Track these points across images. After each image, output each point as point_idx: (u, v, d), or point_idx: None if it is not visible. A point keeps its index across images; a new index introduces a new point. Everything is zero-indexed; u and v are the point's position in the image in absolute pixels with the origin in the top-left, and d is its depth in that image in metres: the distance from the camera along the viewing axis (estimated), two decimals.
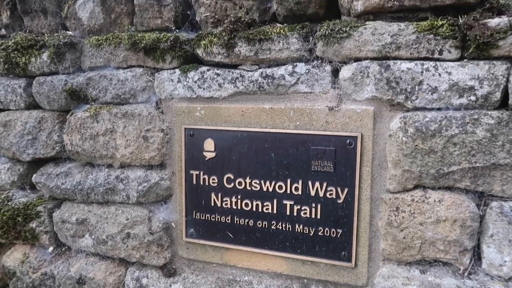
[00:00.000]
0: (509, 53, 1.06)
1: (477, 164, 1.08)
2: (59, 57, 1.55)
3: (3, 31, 1.73)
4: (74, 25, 1.60)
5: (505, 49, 1.05)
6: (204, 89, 1.37)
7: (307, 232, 1.29)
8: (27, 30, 1.70)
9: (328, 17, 1.35)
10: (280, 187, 1.31)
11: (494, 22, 1.06)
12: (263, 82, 1.30)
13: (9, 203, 1.69)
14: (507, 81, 1.07)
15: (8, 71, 1.66)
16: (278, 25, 1.35)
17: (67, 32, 1.61)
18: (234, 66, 1.37)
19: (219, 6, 1.38)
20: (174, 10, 1.44)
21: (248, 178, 1.34)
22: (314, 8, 1.29)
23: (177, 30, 1.46)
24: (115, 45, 1.48)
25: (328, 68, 1.25)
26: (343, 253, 1.25)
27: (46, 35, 1.62)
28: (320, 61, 1.26)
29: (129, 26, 1.53)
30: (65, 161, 1.68)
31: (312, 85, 1.26)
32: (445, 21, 1.10)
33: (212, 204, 1.40)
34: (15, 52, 1.62)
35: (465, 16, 1.10)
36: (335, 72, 1.26)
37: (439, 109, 1.13)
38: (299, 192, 1.28)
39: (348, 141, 1.21)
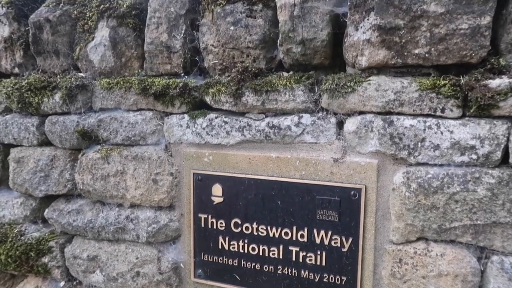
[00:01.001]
0: (510, 113, 1.10)
1: (478, 222, 1.13)
2: (71, 98, 1.62)
3: (17, 70, 1.80)
4: (85, 66, 1.66)
5: (506, 109, 1.10)
6: (212, 136, 1.43)
7: (313, 278, 1.34)
8: (40, 70, 1.77)
9: (333, 66, 1.40)
10: (286, 234, 1.36)
11: (495, 83, 1.10)
12: (269, 132, 1.35)
13: (22, 237, 1.76)
14: (508, 140, 1.11)
15: (21, 109, 1.73)
16: (284, 74, 1.40)
17: (79, 73, 1.67)
18: (242, 113, 1.42)
19: (227, 54, 1.44)
20: (183, 56, 1.49)
21: (255, 223, 1.39)
22: (320, 59, 1.34)
23: (186, 76, 1.51)
24: (125, 89, 1.54)
25: (333, 120, 1.29)
26: None
27: (58, 76, 1.69)
28: (325, 112, 1.31)
29: (139, 70, 1.58)
30: (76, 197, 1.74)
31: (318, 136, 1.31)
32: (447, 81, 1.14)
33: (220, 247, 1.45)
34: (28, 92, 1.68)
35: (467, 76, 1.14)
36: (340, 124, 1.30)
37: (441, 165, 1.17)
38: (305, 239, 1.33)
39: (352, 192, 1.26)
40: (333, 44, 1.33)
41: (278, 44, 1.36)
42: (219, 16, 1.42)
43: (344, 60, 1.35)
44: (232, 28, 1.40)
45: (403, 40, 1.17)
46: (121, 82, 1.54)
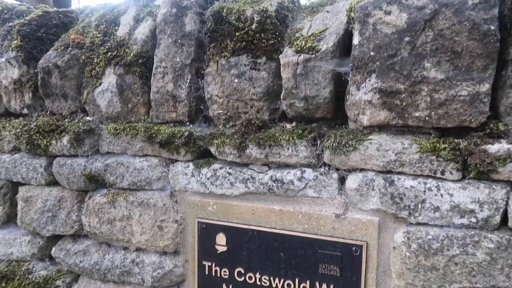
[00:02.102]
0: (509, 178, 1.13)
1: (478, 285, 1.16)
2: (78, 142, 1.67)
3: (25, 110, 1.85)
4: (93, 110, 1.71)
5: (505, 174, 1.13)
6: (216, 186, 1.47)
7: None
8: (48, 111, 1.82)
9: (335, 117, 1.44)
10: (288, 285, 1.40)
11: (494, 148, 1.13)
12: (272, 185, 1.39)
13: (29, 276, 1.81)
14: (507, 204, 1.14)
15: (30, 150, 1.79)
16: (287, 126, 1.44)
17: (86, 118, 1.72)
18: (245, 164, 1.46)
19: (231, 104, 1.48)
20: (188, 105, 1.54)
21: (258, 273, 1.43)
22: (322, 113, 1.38)
23: (191, 125, 1.55)
24: (132, 136, 1.58)
25: (335, 175, 1.33)
26: None
27: (66, 120, 1.74)
28: (327, 168, 1.35)
29: (145, 116, 1.63)
30: (83, 237, 1.79)
31: (320, 191, 1.34)
32: (447, 144, 1.18)
33: None
34: (37, 135, 1.74)
35: (466, 140, 1.18)
36: (342, 180, 1.34)
37: (441, 226, 1.20)
38: None
39: (354, 248, 1.29)
40: (335, 99, 1.37)
41: (281, 98, 1.40)
42: (223, 68, 1.47)
43: (346, 114, 1.39)
44: (236, 80, 1.45)
45: (404, 103, 1.20)
46: (128, 129, 1.59)
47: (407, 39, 1.16)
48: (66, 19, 1.98)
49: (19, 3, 2.30)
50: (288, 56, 1.34)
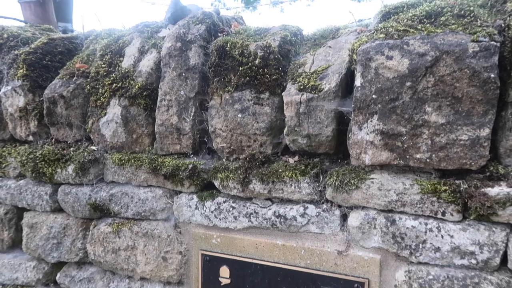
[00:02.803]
0: (508, 220, 1.15)
1: None
2: (83, 171, 1.69)
3: (31, 138, 1.88)
4: (98, 139, 1.74)
5: (505, 217, 1.15)
6: (220, 219, 1.49)
7: None
8: (53, 139, 1.85)
9: (338, 152, 1.46)
10: None
11: (493, 191, 1.16)
12: (276, 221, 1.41)
13: None
14: (506, 246, 1.16)
15: (35, 178, 1.81)
16: (290, 161, 1.46)
17: (91, 147, 1.75)
18: (249, 198, 1.49)
19: (235, 138, 1.50)
20: (192, 138, 1.56)
21: None
22: (324, 149, 1.41)
23: (194, 157, 1.58)
24: (136, 167, 1.61)
25: (337, 212, 1.35)
26: None
27: (71, 148, 1.77)
28: (329, 204, 1.37)
29: (150, 147, 1.66)
30: (88, 264, 1.82)
31: (322, 227, 1.37)
32: (447, 187, 1.20)
33: None
34: (42, 163, 1.76)
35: (467, 182, 1.20)
36: (344, 216, 1.36)
37: (442, 266, 1.23)
38: None
39: (356, 285, 1.31)
40: (337, 135, 1.39)
41: (284, 133, 1.43)
42: (227, 102, 1.49)
43: (348, 150, 1.41)
44: (240, 115, 1.47)
45: (405, 145, 1.23)
46: (133, 160, 1.62)
47: (408, 84, 1.18)
48: (71, 45, 2.01)
49: (24, 27, 2.32)
50: (291, 94, 1.37)
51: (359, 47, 1.26)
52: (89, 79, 1.75)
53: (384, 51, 1.20)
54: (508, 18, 1.24)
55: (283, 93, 1.40)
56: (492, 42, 1.12)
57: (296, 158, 1.48)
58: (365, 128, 1.28)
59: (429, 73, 1.16)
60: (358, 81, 1.26)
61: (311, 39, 1.68)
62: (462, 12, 1.30)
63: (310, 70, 1.44)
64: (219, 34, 1.67)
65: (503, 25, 1.25)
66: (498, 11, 1.34)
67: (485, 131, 1.15)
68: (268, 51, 1.47)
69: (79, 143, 1.80)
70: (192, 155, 1.60)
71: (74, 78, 1.78)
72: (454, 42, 1.14)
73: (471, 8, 1.31)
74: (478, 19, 1.27)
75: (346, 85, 1.39)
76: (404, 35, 1.24)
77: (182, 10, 1.74)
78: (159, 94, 1.59)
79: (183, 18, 1.73)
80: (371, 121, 1.26)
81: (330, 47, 1.51)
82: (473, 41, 1.13)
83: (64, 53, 1.96)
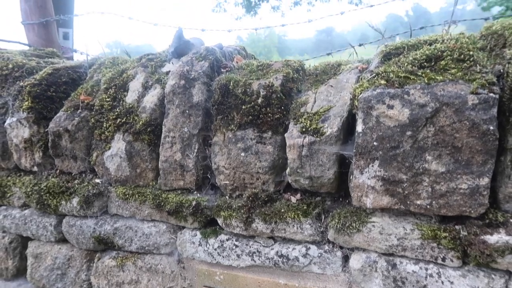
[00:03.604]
0: (508, 268, 1.18)
1: None
2: (87, 204, 1.72)
3: (36, 168, 1.90)
4: (102, 172, 1.76)
5: (504, 265, 1.17)
6: (223, 257, 1.52)
7: None
8: (58, 170, 1.87)
9: (339, 191, 1.49)
10: None
11: (493, 239, 1.18)
12: (278, 261, 1.43)
13: None
14: None
15: (40, 209, 1.83)
16: (292, 200, 1.48)
17: (95, 180, 1.77)
18: (252, 236, 1.51)
19: (238, 176, 1.53)
20: (196, 174, 1.59)
21: None
22: (326, 190, 1.43)
23: (198, 194, 1.60)
24: (140, 202, 1.63)
25: (339, 253, 1.38)
26: None
27: (76, 180, 1.79)
28: (331, 245, 1.39)
29: (154, 182, 1.68)
30: None
31: (324, 268, 1.39)
32: (447, 233, 1.22)
33: None
34: (47, 195, 1.79)
35: (466, 228, 1.22)
36: (346, 257, 1.39)
37: None
38: None
39: None
40: (339, 177, 1.41)
41: (287, 173, 1.45)
42: (230, 141, 1.52)
43: (349, 189, 1.44)
44: (243, 154, 1.49)
45: (406, 192, 1.25)
46: (137, 195, 1.64)
47: (409, 133, 1.20)
48: (75, 74, 2.04)
49: (28, 52, 2.35)
50: (293, 137, 1.39)
51: (360, 93, 1.28)
52: (93, 112, 1.78)
53: (385, 100, 1.22)
54: (507, 65, 1.26)
55: (285, 135, 1.42)
56: (491, 94, 1.14)
57: (298, 196, 1.51)
58: (366, 172, 1.30)
59: (429, 123, 1.19)
60: (359, 127, 1.28)
61: (313, 74, 1.71)
62: (462, 56, 1.33)
63: (312, 110, 1.46)
64: (222, 70, 1.69)
65: (502, 70, 1.28)
66: (497, 55, 1.37)
67: (484, 180, 1.18)
68: (271, 90, 1.50)
69: (84, 175, 1.83)
70: (195, 191, 1.62)
71: (79, 110, 1.81)
72: (454, 93, 1.16)
73: (471, 53, 1.33)
74: (477, 64, 1.29)
75: (348, 127, 1.41)
76: (405, 82, 1.26)
77: (186, 45, 1.76)
78: (163, 130, 1.62)
79: (187, 53, 1.76)
80: (372, 166, 1.28)
81: (331, 86, 1.54)
82: (472, 93, 1.15)
83: (69, 83, 1.99)
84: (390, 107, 1.22)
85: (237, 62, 1.82)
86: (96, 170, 1.79)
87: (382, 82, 1.29)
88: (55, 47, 2.92)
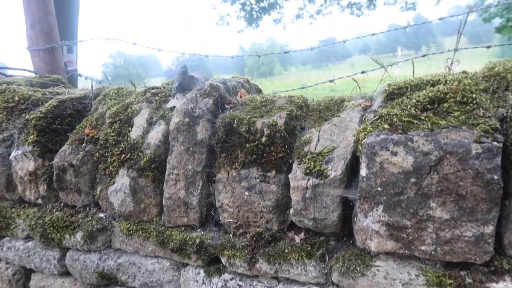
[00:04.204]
0: None
1: None
2: (91, 239, 1.72)
3: (40, 201, 1.91)
4: (106, 206, 1.77)
5: None
6: None
7: None
8: (62, 202, 1.88)
9: (343, 230, 1.48)
10: None
11: (498, 287, 1.17)
12: None
13: None
14: None
15: (43, 242, 1.84)
16: (296, 239, 1.48)
17: (99, 214, 1.78)
18: (255, 276, 1.50)
19: (242, 214, 1.53)
20: (200, 212, 1.59)
21: None
22: (330, 230, 1.43)
23: (202, 232, 1.60)
24: (144, 238, 1.63)
25: None
26: None
27: (80, 214, 1.80)
28: (336, 287, 1.39)
29: (157, 218, 1.68)
30: None
31: None
32: (452, 281, 1.22)
33: None
34: (51, 229, 1.79)
35: (472, 275, 1.22)
36: None
37: None
38: None
39: None
40: (343, 218, 1.41)
41: (291, 213, 1.45)
42: (234, 179, 1.52)
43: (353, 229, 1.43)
44: (247, 193, 1.50)
45: (410, 237, 1.25)
46: (140, 231, 1.65)
47: (413, 180, 1.21)
48: (79, 106, 2.06)
49: (33, 81, 2.38)
50: (297, 179, 1.39)
51: (364, 138, 1.29)
52: (98, 146, 1.79)
53: (389, 146, 1.23)
54: (510, 110, 1.27)
55: (289, 176, 1.43)
56: (495, 143, 1.14)
57: (302, 235, 1.51)
58: (370, 216, 1.30)
59: (433, 171, 1.19)
60: (363, 171, 1.29)
61: (316, 110, 1.72)
62: (465, 99, 1.34)
63: (315, 149, 1.47)
64: (226, 106, 1.71)
65: (505, 114, 1.28)
66: (499, 97, 1.38)
67: (489, 228, 1.17)
68: (275, 129, 1.51)
69: (88, 208, 1.83)
70: (199, 228, 1.62)
71: (83, 144, 1.82)
72: (457, 141, 1.17)
73: (473, 95, 1.34)
74: (480, 108, 1.30)
75: (351, 168, 1.41)
76: (409, 127, 1.27)
77: (190, 80, 1.78)
78: (167, 167, 1.62)
79: (191, 88, 1.78)
80: (376, 210, 1.28)
81: (335, 125, 1.55)
82: (476, 141, 1.16)
83: (74, 115, 2.01)
84: (394, 153, 1.22)
85: (241, 97, 1.84)
86: (100, 204, 1.80)
87: (386, 126, 1.30)
88: (60, 72, 2.96)
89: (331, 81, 2.61)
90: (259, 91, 2.19)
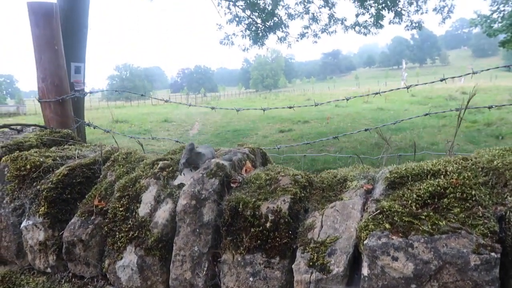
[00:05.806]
0: None
1: None
2: None
3: (49, 270, 1.96)
4: (113, 280, 1.81)
5: None
6: None
7: None
8: (70, 272, 1.93)
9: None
10: None
11: None
12: None
13: None
14: None
15: None
16: None
17: (107, 287, 1.82)
18: None
19: None
20: None
21: None
22: None
23: None
24: None
25: None
26: None
27: (88, 286, 1.84)
28: None
29: None
30: None
31: None
32: None
33: None
34: None
35: None
36: None
37: None
38: None
39: None
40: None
41: None
42: (239, 264, 1.56)
43: None
44: (251, 278, 1.54)
45: None
46: None
47: (413, 286, 1.24)
48: (89, 172, 2.12)
49: (44, 137, 2.45)
50: (301, 272, 1.43)
51: (366, 238, 1.33)
52: (107, 220, 1.84)
53: (390, 251, 1.27)
54: (508, 212, 1.31)
55: (293, 267, 1.47)
56: (493, 254, 1.18)
57: None
58: None
59: (433, 279, 1.23)
60: (365, 271, 1.33)
61: (319, 189, 1.77)
62: (464, 195, 1.38)
63: (318, 237, 1.51)
64: (232, 185, 1.76)
65: (504, 213, 1.32)
66: (498, 193, 1.42)
67: None
68: (279, 216, 1.55)
69: (96, 280, 1.88)
70: None
71: (93, 217, 1.88)
72: (456, 251, 1.21)
73: (473, 192, 1.39)
74: (479, 206, 1.35)
75: (354, 260, 1.45)
76: (409, 228, 1.31)
77: (197, 156, 1.84)
78: (174, 248, 1.67)
79: (198, 163, 1.84)
80: None
81: (337, 211, 1.59)
82: (474, 252, 1.19)
83: (83, 182, 2.07)
84: (395, 259, 1.26)
85: (246, 171, 1.89)
86: (108, 277, 1.84)
87: (387, 226, 1.34)
88: (70, 122, 3.04)
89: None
90: (264, 155, 2.25)
